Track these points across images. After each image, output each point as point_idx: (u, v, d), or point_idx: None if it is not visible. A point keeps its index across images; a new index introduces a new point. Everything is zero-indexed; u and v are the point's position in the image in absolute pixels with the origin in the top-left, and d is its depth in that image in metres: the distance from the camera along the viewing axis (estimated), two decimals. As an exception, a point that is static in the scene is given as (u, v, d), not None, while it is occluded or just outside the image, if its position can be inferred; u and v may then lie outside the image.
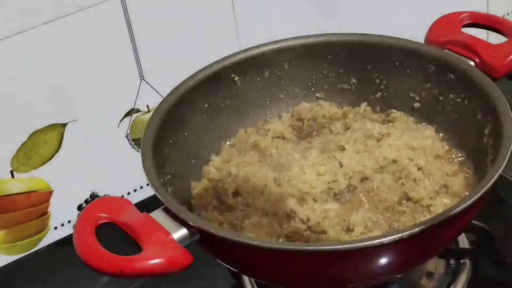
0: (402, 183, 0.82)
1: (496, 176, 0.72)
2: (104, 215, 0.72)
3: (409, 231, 0.67)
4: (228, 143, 0.93)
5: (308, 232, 0.79)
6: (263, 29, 1.08)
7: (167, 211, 0.73)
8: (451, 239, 0.83)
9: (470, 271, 0.87)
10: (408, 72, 0.91)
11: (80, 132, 1.01)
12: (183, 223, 0.72)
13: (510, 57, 0.86)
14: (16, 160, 0.98)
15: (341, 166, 0.84)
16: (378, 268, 0.73)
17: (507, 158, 0.73)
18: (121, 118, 1.04)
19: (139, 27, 1.00)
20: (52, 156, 1.00)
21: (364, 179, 0.83)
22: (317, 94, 0.96)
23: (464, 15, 0.94)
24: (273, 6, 1.09)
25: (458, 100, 0.87)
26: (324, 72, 0.95)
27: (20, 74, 0.94)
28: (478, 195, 0.70)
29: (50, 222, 1.04)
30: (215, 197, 0.85)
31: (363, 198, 0.82)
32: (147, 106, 1.05)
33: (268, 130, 0.94)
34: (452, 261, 0.88)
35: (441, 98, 0.89)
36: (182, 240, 0.71)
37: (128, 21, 0.99)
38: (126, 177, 1.07)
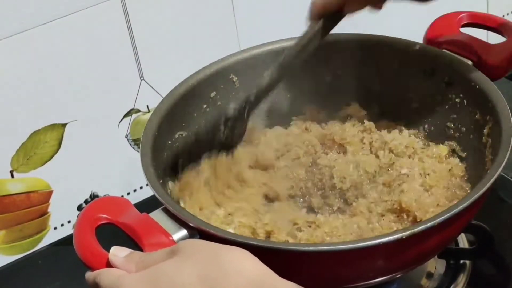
0: (398, 184, 0.83)
1: (495, 176, 0.72)
2: (104, 215, 0.72)
3: (409, 231, 0.68)
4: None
5: None
6: (263, 29, 1.08)
7: (167, 211, 0.73)
8: (450, 239, 0.83)
9: (469, 271, 0.87)
10: (407, 72, 0.91)
11: (80, 132, 1.01)
12: (182, 223, 0.72)
13: (508, 57, 0.86)
14: (16, 160, 0.98)
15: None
16: (378, 268, 0.73)
17: (506, 158, 0.74)
18: (121, 118, 1.04)
19: (139, 27, 1.00)
20: (52, 156, 1.00)
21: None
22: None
23: (462, 15, 0.94)
24: (273, 6, 1.09)
25: (457, 100, 0.87)
26: (323, 73, 0.95)
27: (20, 74, 0.94)
28: (477, 195, 0.71)
29: (50, 222, 1.04)
30: None
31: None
32: (147, 106, 1.05)
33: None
34: (452, 261, 0.88)
35: (439, 98, 0.89)
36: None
37: (128, 21, 0.99)
38: (126, 177, 1.07)
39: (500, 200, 0.97)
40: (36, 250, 1.04)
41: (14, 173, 0.98)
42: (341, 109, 0.95)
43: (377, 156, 0.88)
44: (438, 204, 0.80)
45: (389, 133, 0.90)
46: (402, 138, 0.89)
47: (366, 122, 0.92)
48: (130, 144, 1.06)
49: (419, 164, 0.85)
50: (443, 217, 0.68)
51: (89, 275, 0.67)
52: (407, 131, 0.91)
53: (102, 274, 0.66)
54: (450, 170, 0.85)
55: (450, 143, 0.88)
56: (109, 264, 0.67)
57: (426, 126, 0.91)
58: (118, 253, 0.67)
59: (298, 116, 0.96)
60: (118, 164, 1.06)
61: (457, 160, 0.86)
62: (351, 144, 0.89)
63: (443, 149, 0.88)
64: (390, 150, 0.88)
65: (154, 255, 0.65)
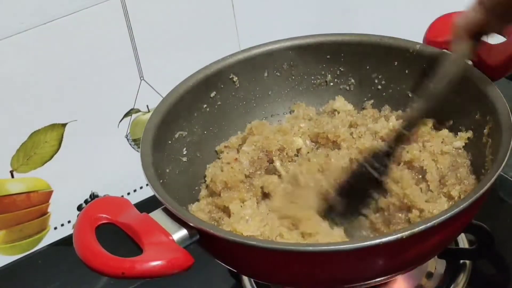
0: None
1: (495, 176, 0.72)
2: (104, 215, 0.73)
3: (409, 231, 0.68)
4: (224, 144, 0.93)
5: None
6: (263, 29, 1.08)
7: (167, 211, 0.73)
8: (450, 239, 0.83)
9: (470, 271, 0.87)
10: (407, 72, 0.91)
11: (80, 132, 1.01)
12: (182, 223, 0.72)
13: (508, 57, 0.86)
14: (16, 160, 0.98)
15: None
16: (378, 268, 0.73)
17: (506, 158, 0.73)
18: (121, 118, 1.04)
19: (139, 27, 1.00)
20: (52, 156, 1.00)
21: None
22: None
23: (462, 15, 0.93)
24: (273, 6, 1.09)
25: (457, 100, 0.87)
26: (323, 73, 0.95)
27: (20, 74, 0.94)
28: (478, 195, 0.70)
29: (50, 222, 1.04)
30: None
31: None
32: (147, 106, 1.05)
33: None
34: (452, 261, 0.88)
35: (439, 98, 0.89)
36: (182, 241, 0.71)
37: (128, 21, 0.99)
38: (126, 177, 1.07)
39: (500, 200, 0.97)
40: (36, 250, 1.04)
41: (14, 173, 0.98)
42: (329, 103, 0.96)
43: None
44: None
45: (375, 122, 0.90)
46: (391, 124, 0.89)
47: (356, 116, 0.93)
48: (130, 144, 1.06)
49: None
50: (443, 217, 0.68)
51: None
52: (394, 118, 0.91)
53: None
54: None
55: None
56: (114, 262, 0.68)
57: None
58: None
59: (285, 114, 0.96)
60: (118, 164, 1.06)
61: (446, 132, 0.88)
62: (345, 141, 0.89)
63: (427, 122, 0.88)
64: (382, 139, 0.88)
65: None
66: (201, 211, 0.84)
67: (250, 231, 0.78)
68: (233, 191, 0.85)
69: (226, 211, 0.83)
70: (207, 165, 0.90)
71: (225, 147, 0.92)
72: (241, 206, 0.82)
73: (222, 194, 0.85)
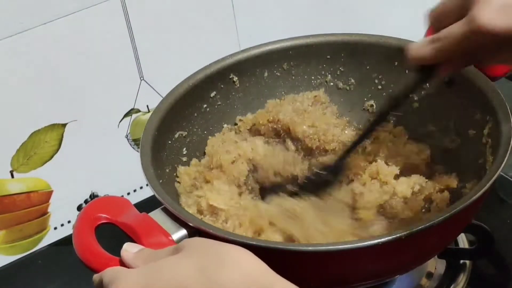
0: None
1: (495, 176, 0.72)
2: (104, 215, 0.73)
3: (408, 231, 0.68)
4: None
5: None
6: (263, 29, 1.08)
7: (166, 211, 0.73)
8: (450, 239, 0.83)
9: (469, 271, 0.87)
10: (407, 72, 0.91)
11: (80, 132, 1.01)
12: (182, 223, 0.72)
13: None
14: (16, 160, 0.98)
15: None
16: (378, 268, 0.73)
17: (506, 158, 0.73)
18: (121, 118, 1.04)
19: (139, 27, 1.00)
20: (52, 156, 1.00)
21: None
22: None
23: (463, 15, 0.93)
24: (273, 6, 1.09)
25: (457, 100, 0.87)
26: (323, 73, 0.95)
27: (20, 74, 0.94)
28: (477, 195, 0.70)
29: (50, 222, 1.04)
30: None
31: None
32: (147, 106, 1.05)
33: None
34: (452, 261, 0.88)
35: (439, 98, 0.89)
36: (181, 241, 0.71)
37: (128, 21, 0.99)
38: (126, 177, 1.07)
39: (500, 200, 0.97)
40: (36, 250, 1.04)
41: (14, 173, 0.98)
42: None
43: None
44: None
45: None
46: None
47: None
48: (130, 144, 1.06)
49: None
50: (442, 217, 0.68)
51: (96, 275, 0.68)
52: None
53: (106, 272, 0.66)
54: None
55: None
56: (114, 262, 0.68)
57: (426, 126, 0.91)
58: (129, 249, 0.68)
59: None
60: (118, 164, 1.06)
61: None
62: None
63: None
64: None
65: (161, 252, 0.65)
66: (187, 175, 0.86)
67: (217, 202, 0.81)
68: (223, 172, 0.86)
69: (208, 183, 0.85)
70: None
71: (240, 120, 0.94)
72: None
73: (214, 170, 0.86)
